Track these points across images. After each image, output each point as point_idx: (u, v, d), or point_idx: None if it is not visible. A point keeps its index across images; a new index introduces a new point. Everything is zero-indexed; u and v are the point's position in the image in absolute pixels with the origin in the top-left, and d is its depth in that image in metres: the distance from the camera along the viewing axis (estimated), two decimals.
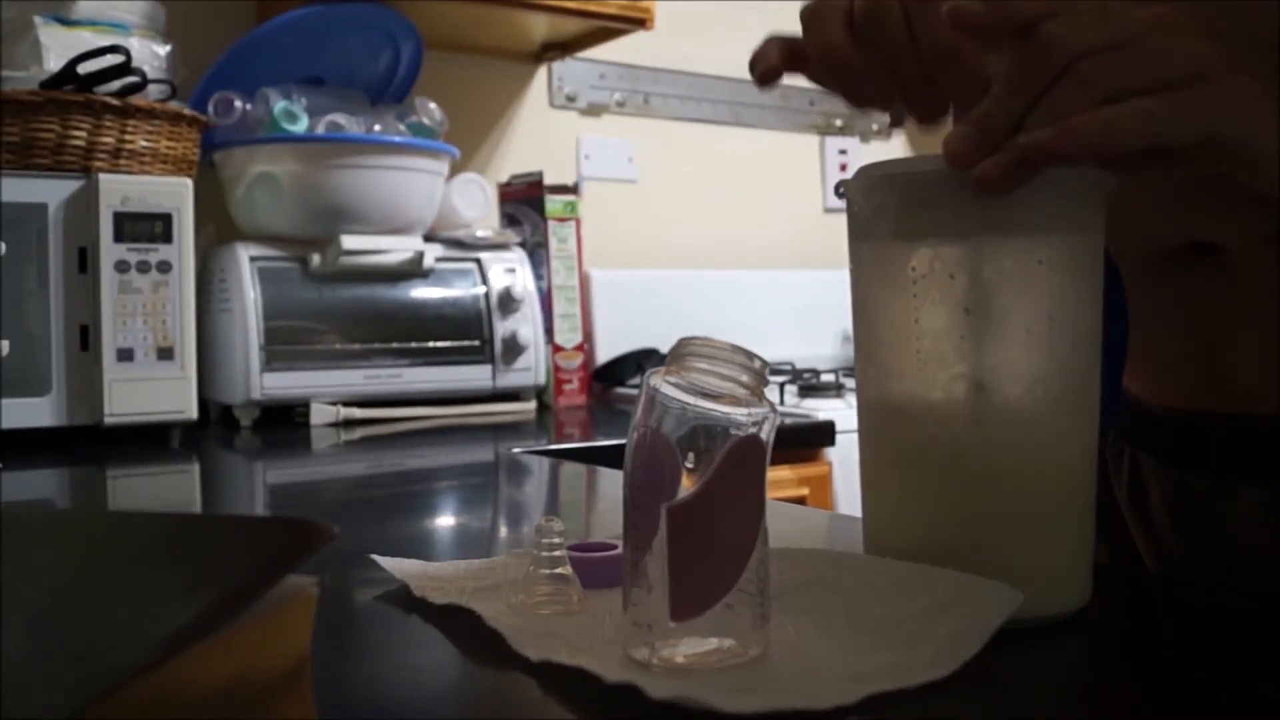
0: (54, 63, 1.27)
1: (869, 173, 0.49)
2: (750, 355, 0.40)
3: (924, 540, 0.48)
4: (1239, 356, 0.56)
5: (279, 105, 1.47)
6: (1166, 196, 0.56)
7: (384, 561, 0.54)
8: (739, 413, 0.40)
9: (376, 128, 1.54)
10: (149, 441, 1.25)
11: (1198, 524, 0.60)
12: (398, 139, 1.53)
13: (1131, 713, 0.40)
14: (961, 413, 0.47)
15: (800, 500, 1.37)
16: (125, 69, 1.26)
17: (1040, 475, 0.47)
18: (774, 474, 1.37)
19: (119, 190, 1.23)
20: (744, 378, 0.40)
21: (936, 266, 0.46)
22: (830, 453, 1.44)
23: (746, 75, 0.54)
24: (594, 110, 2.07)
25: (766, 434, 0.40)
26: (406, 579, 0.51)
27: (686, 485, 0.39)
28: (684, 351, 0.41)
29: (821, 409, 1.52)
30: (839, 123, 2.36)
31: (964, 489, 0.47)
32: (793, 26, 0.52)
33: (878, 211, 0.48)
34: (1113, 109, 0.43)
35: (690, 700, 0.35)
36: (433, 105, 1.62)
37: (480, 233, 1.64)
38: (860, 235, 0.50)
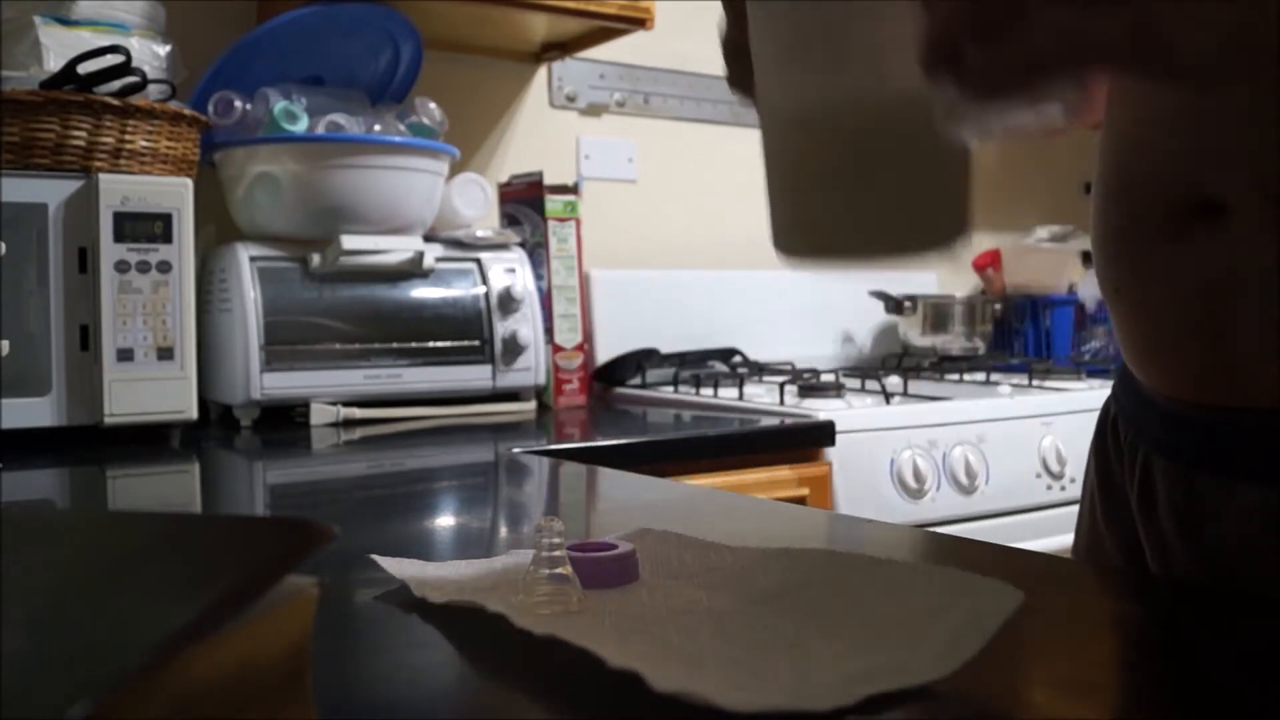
0: (54, 63, 1.27)
1: None
2: None
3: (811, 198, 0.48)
4: (1239, 336, 0.56)
5: (279, 105, 1.47)
6: (1180, 143, 0.56)
7: (384, 561, 0.54)
8: None
9: (376, 128, 1.54)
10: (149, 441, 1.25)
11: (1199, 525, 0.60)
12: (398, 139, 1.53)
13: (1131, 713, 0.40)
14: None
15: (800, 500, 1.36)
16: (125, 69, 1.26)
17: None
18: (774, 474, 1.38)
19: (119, 190, 1.23)
20: None
21: None
22: (830, 453, 1.43)
23: None
24: (594, 110, 2.07)
25: None
26: (406, 579, 0.51)
27: None
28: None
29: (821, 409, 1.52)
30: None
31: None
32: None
33: None
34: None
35: (691, 695, 0.35)
36: (433, 105, 1.62)
37: (480, 233, 1.64)
38: None
